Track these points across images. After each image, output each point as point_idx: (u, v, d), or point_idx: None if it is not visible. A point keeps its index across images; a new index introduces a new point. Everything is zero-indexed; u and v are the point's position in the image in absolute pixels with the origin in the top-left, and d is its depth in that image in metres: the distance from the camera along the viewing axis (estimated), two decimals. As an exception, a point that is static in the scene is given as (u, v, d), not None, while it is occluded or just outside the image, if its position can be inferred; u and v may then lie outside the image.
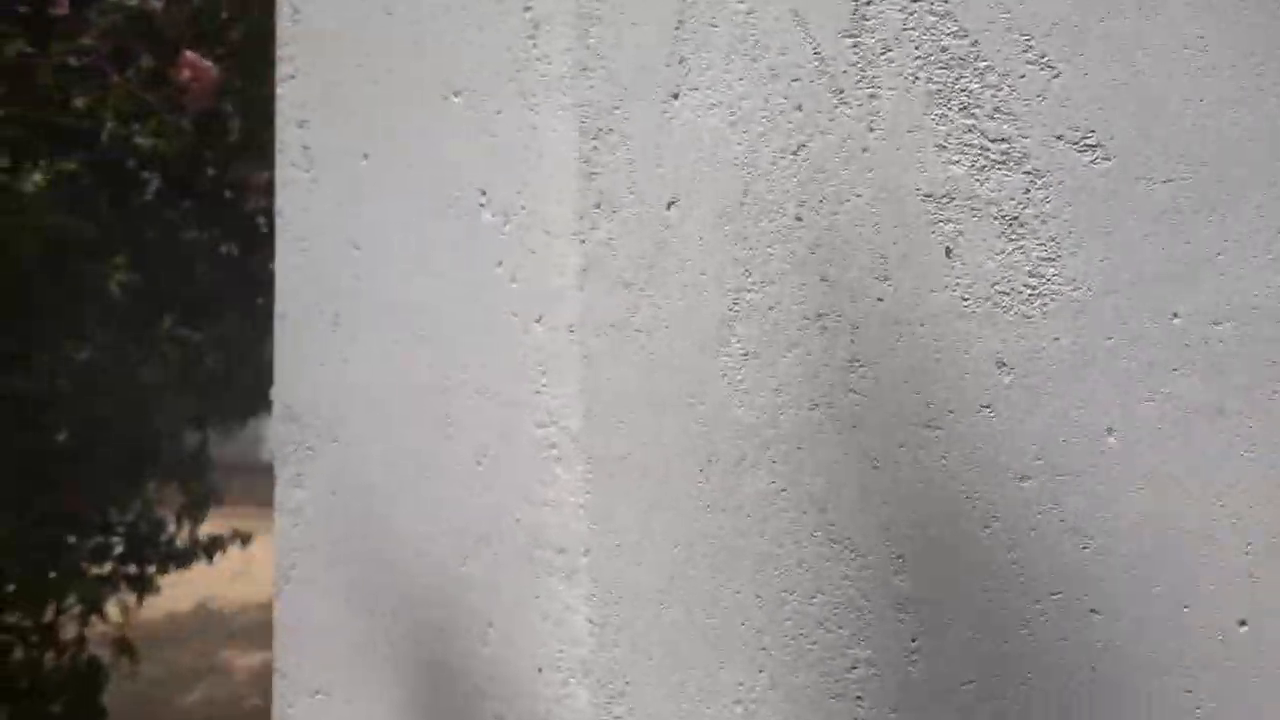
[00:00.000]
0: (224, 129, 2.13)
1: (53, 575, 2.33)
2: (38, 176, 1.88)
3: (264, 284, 3.16)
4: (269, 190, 2.54)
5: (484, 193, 0.74)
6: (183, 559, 2.74)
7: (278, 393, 0.77)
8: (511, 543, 0.71)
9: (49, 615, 2.52)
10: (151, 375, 2.18)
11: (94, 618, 2.59)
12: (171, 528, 2.74)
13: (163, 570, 2.78)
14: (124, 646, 2.54)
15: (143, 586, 2.70)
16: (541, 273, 0.71)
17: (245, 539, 2.84)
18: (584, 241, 0.65)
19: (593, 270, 0.65)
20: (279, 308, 0.78)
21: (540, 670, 0.70)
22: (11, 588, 2.32)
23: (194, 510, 2.88)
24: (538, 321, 0.72)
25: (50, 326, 2.10)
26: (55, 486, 2.12)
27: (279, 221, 0.80)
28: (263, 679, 5.32)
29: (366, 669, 0.72)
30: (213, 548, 2.78)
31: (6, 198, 1.83)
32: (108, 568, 2.70)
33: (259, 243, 2.88)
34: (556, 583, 0.69)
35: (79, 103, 1.92)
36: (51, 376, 2.02)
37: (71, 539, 2.46)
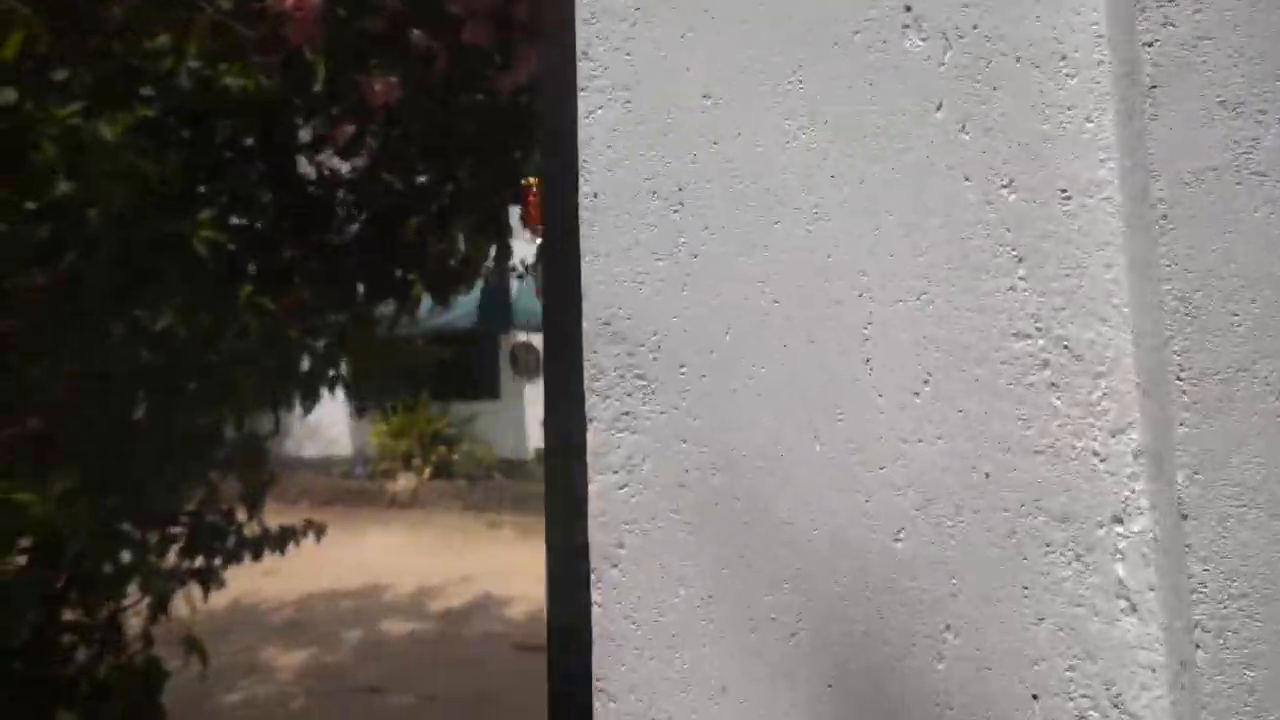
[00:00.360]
0: (308, 74, 1.92)
1: (111, 570, 2.12)
2: (115, 125, 1.67)
3: (333, 257, 2.96)
4: (353, 144, 2.32)
5: (908, 9, 0.52)
6: (253, 551, 2.53)
7: (590, 304, 0.55)
8: (977, 509, 0.48)
9: (108, 611, 2.32)
10: (230, 347, 1.97)
11: (139, 612, 2.39)
12: (240, 517, 2.54)
13: (228, 563, 2.58)
14: (193, 645, 2.33)
15: (209, 580, 2.50)
16: (1012, 116, 0.48)
17: (320, 530, 2.63)
18: (1152, 45, 0.42)
19: (1172, 88, 0.42)
20: (586, 185, 0.56)
21: (1036, 698, 0.47)
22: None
23: (253, 498, 2.68)
24: (1008, 187, 0.49)
25: (129, 290, 1.89)
26: (130, 474, 1.91)
27: (584, 67, 0.58)
28: (306, 678, 5.12)
29: (747, 691, 0.50)
30: (283, 539, 2.57)
31: (82, 143, 1.61)
32: (170, 560, 2.50)
33: (330, 211, 2.67)
34: (1061, 567, 0.47)
35: (162, 39, 1.71)
36: (128, 345, 1.81)
37: (135, 531, 2.26)
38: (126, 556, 2.16)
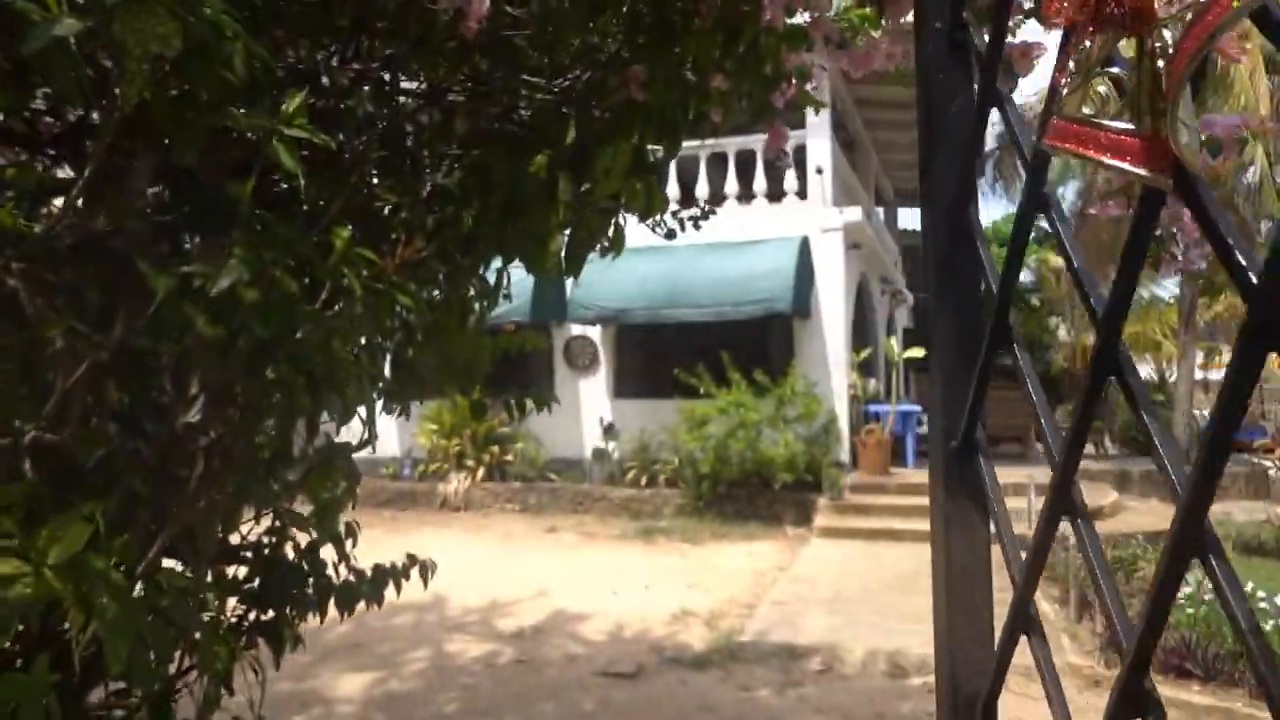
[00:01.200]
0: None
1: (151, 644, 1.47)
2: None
3: (427, 199, 2.30)
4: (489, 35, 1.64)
5: None
6: (342, 599, 1.89)
7: None
8: None
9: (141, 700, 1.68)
10: (319, 318, 1.33)
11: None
12: (323, 551, 1.90)
13: (304, 615, 1.94)
14: (265, 733, 1.70)
15: (281, 638, 1.87)
16: None
17: (427, 569, 2.00)
18: None
19: None
20: None
21: None
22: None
23: (333, 527, 2.03)
24: None
25: (177, 231, 1.27)
26: (178, 501, 1.28)
27: None
28: (373, 709, 4.46)
29: None
30: (379, 582, 1.93)
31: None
32: (230, 611, 1.88)
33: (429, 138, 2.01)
34: None
35: None
36: (176, 314, 1.18)
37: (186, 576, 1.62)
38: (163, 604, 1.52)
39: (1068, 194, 18.19)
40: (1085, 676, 4.96)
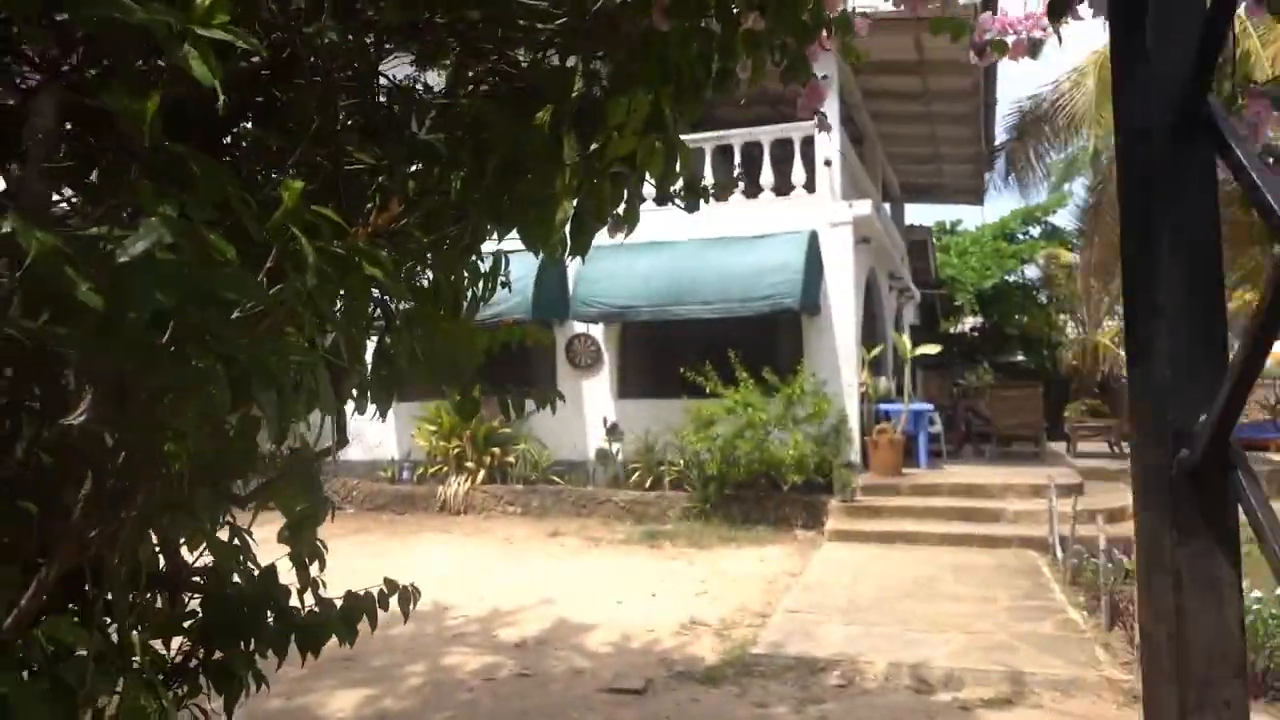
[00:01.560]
0: None
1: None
2: None
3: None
4: None
5: None
6: (304, 638, 1.59)
7: None
8: None
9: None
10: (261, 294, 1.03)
11: None
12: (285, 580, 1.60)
13: (261, 651, 1.64)
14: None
15: (238, 680, 1.57)
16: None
17: (409, 597, 1.69)
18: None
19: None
20: None
21: None
22: None
23: (296, 539, 1.72)
24: None
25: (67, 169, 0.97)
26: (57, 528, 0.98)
27: None
28: (364, 731, 4.07)
29: None
30: (353, 615, 1.63)
31: None
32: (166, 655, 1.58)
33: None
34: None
35: None
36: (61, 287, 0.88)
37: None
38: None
39: (1076, 189, 17.81)
40: (1124, 691, 4.65)
